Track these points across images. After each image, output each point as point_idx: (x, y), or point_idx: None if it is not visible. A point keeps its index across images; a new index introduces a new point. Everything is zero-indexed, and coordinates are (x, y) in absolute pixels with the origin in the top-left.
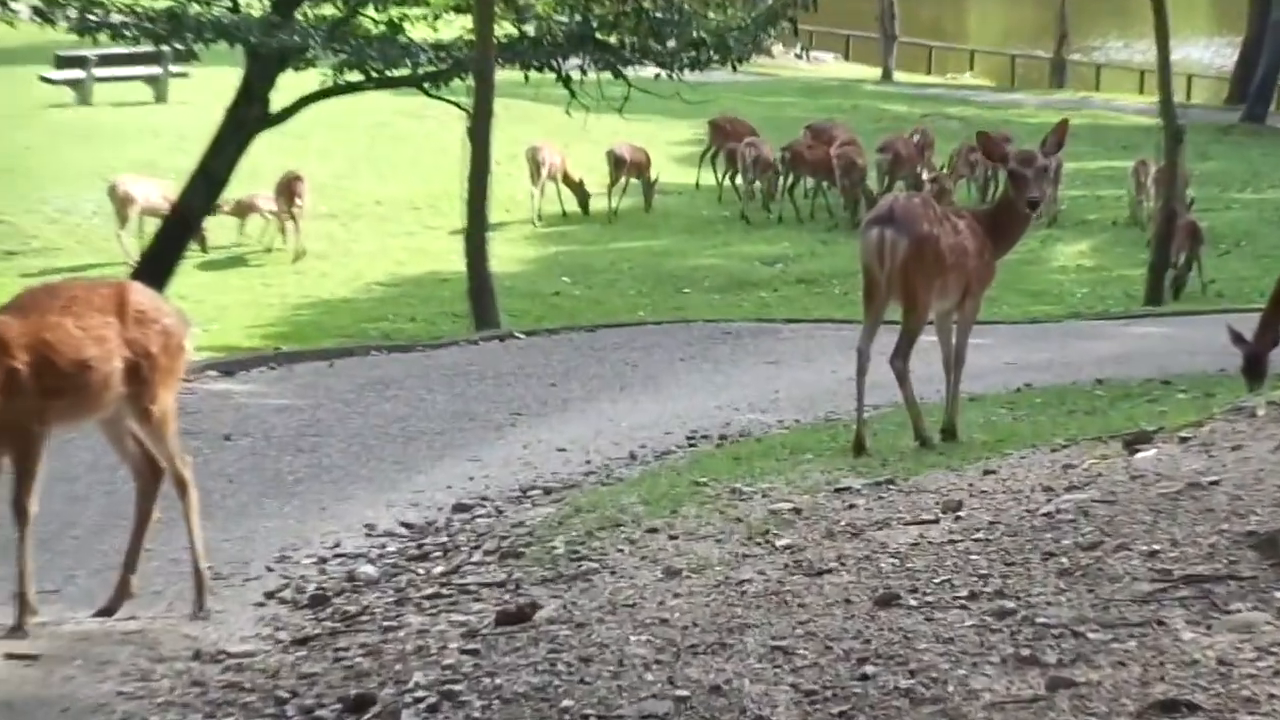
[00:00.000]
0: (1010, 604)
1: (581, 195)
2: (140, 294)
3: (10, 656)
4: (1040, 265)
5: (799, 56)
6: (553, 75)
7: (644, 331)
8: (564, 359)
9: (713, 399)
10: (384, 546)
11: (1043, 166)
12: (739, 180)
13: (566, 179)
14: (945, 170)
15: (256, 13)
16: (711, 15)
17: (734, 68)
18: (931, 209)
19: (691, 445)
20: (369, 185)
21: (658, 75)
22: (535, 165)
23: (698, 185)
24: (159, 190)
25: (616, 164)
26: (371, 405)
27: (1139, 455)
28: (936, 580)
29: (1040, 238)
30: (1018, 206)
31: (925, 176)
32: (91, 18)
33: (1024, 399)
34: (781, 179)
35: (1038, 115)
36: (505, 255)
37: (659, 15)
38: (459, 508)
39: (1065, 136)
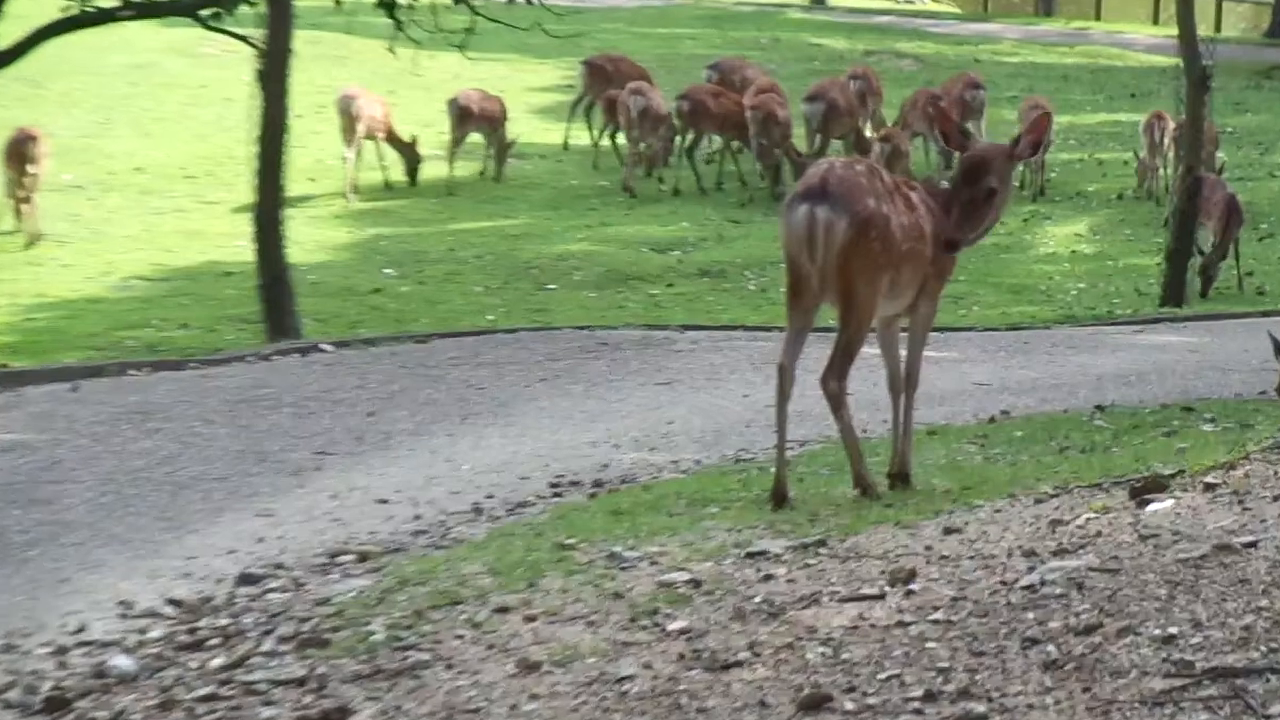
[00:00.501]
0: (979, 707)
1: (411, 160)
2: None
3: None
4: (1023, 252)
5: None
6: None
7: (493, 342)
8: (386, 379)
9: (584, 433)
10: (144, 631)
11: (988, 190)
12: (621, 139)
13: (391, 138)
14: (897, 126)
15: None
16: None
17: None
18: (878, 179)
19: (556, 495)
20: (127, 146)
21: (511, 0)
22: (349, 120)
23: (566, 146)
24: None
25: (461, 117)
26: (129, 442)
27: (1151, 508)
28: (881, 676)
29: (1023, 215)
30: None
31: (870, 134)
32: None
33: (1000, 431)
34: (679, 138)
35: (1018, 53)
36: (309, 240)
37: None
38: (245, 579)
39: (1045, 135)
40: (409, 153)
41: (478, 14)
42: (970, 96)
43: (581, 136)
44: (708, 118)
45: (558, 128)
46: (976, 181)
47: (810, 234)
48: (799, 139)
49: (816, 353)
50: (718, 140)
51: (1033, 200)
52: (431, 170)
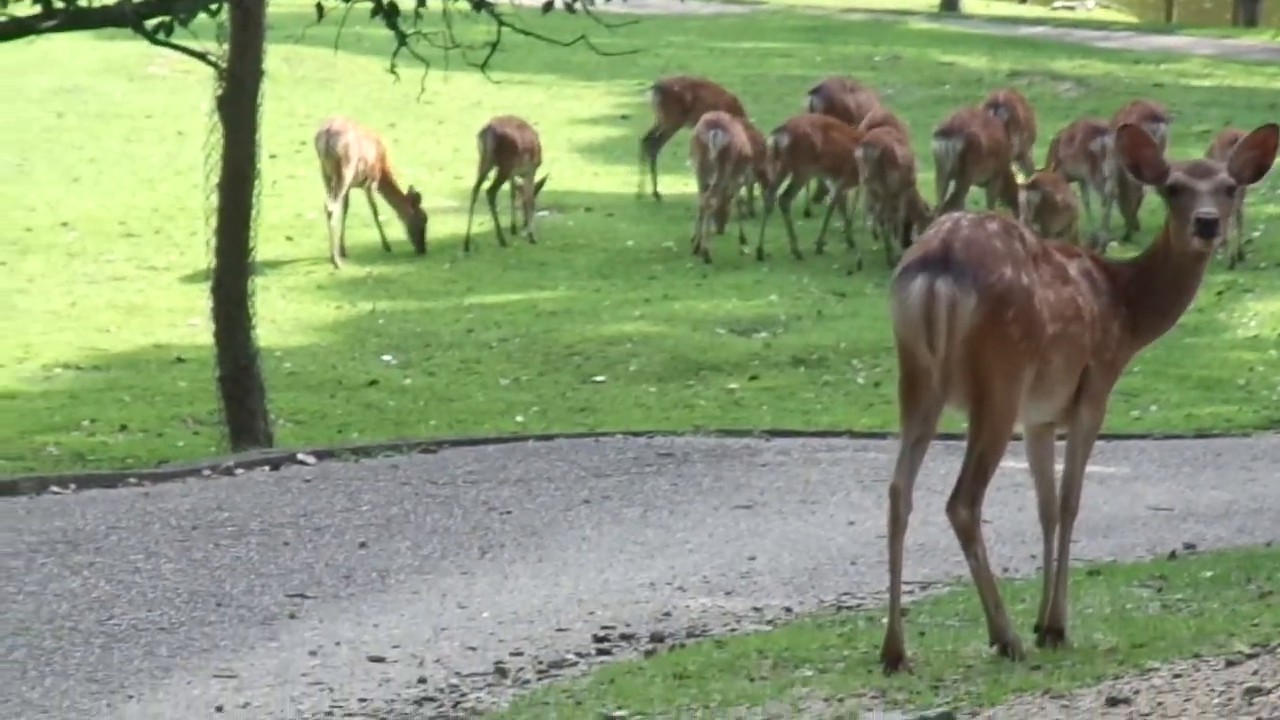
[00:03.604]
0: None
1: (413, 219)
2: None
3: None
4: (1215, 335)
5: None
6: (366, 4)
7: (522, 452)
8: (382, 500)
9: (640, 571)
10: None
11: (1225, 185)
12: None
13: (386, 187)
14: (1050, 169)
15: None
16: None
17: None
18: (1017, 240)
19: (603, 653)
20: (50, 195)
21: (549, 5)
22: (334, 162)
23: (640, 196)
24: None
25: (499, 150)
26: (49, 580)
27: None
28: None
29: (1217, 288)
30: (1180, 242)
31: (1020, 179)
32: None
33: (1183, 571)
34: (770, 183)
35: (1211, 74)
36: (285, 317)
37: None
38: None
39: (1276, 152)
40: (408, 212)
41: (505, 24)
42: (1149, 131)
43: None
44: (809, 158)
45: (608, 171)
46: (1209, 173)
47: (929, 314)
48: (927, 186)
49: (944, 468)
50: (821, 186)
51: (1229, 268)
52: (443, 226)
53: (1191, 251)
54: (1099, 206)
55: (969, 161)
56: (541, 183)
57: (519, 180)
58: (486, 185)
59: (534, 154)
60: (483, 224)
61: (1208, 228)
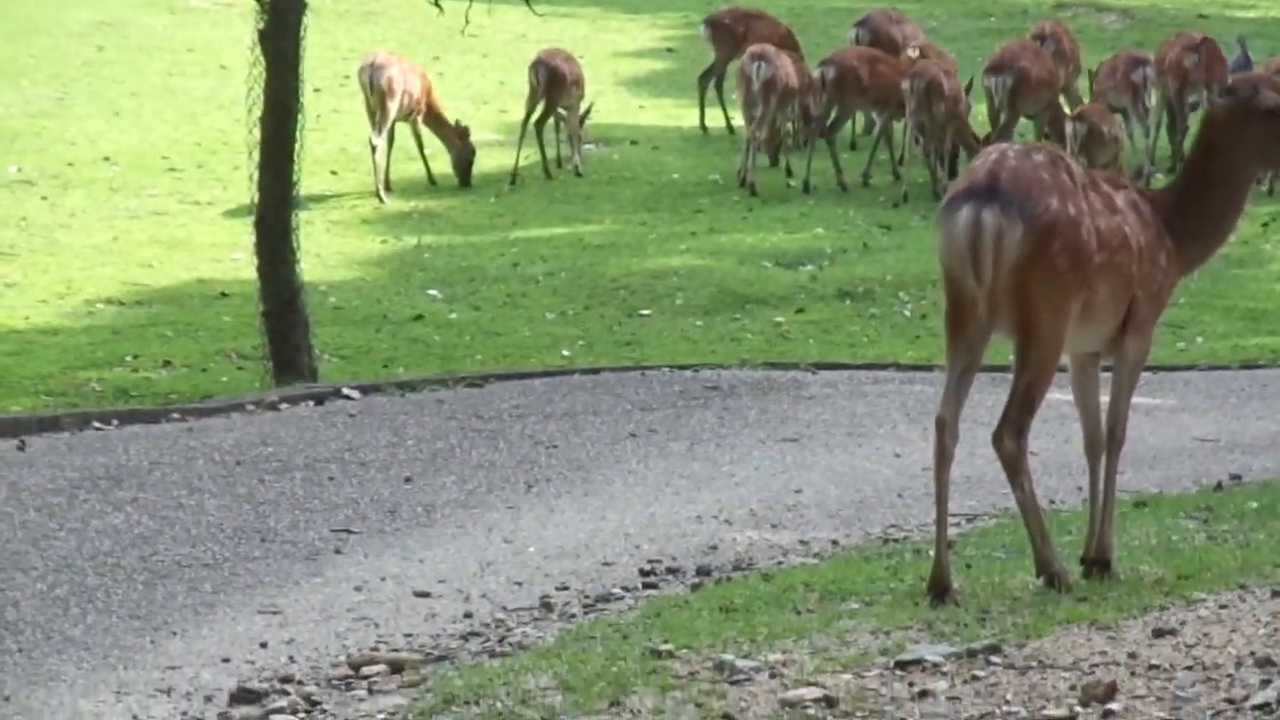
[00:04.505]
0: None
1: (459, 154)
2: None
3: None
4: (1261, 267)
5: None
6: None
7: (568, 386)
8: (428, 435)
9: (686, 505)
10: None
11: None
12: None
13: (433, 120)
14: (1093, 101)
15: None
16: None
17: None
18: (1064, 171)
19: (649, 586)
20: (91, 129)
21: None
22: (378, 96)
23: (704, 128)
24: None
25: (551, 83)
26: (92, 516)
27: None
28: None
29: (1262, 219)
30: (1255, 162)
31: (1067, 111)
32: None
33: (1229, 502)
34: (816, 116)
35: (1256, 5)
36: (329, 252)
37: None
38: (242, 696)
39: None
40: (456, 144)
41: None
42: (1192, 63)
43: (705, 117)
44: (856, 90)
45: (653, 104)
46: None
47: (975, 245)
48: (979, 117)
49: (991, 399)
50: (868, 119)
51: (1270, 194)
52: (488, 160)
53: (1253, 175)
54: (1142, 138)
55: (1019, 95)
56: (586, 114)
57: (563, 113)
58: (534, 118)
59: (580, 87)
60: (528, 157)
61: None
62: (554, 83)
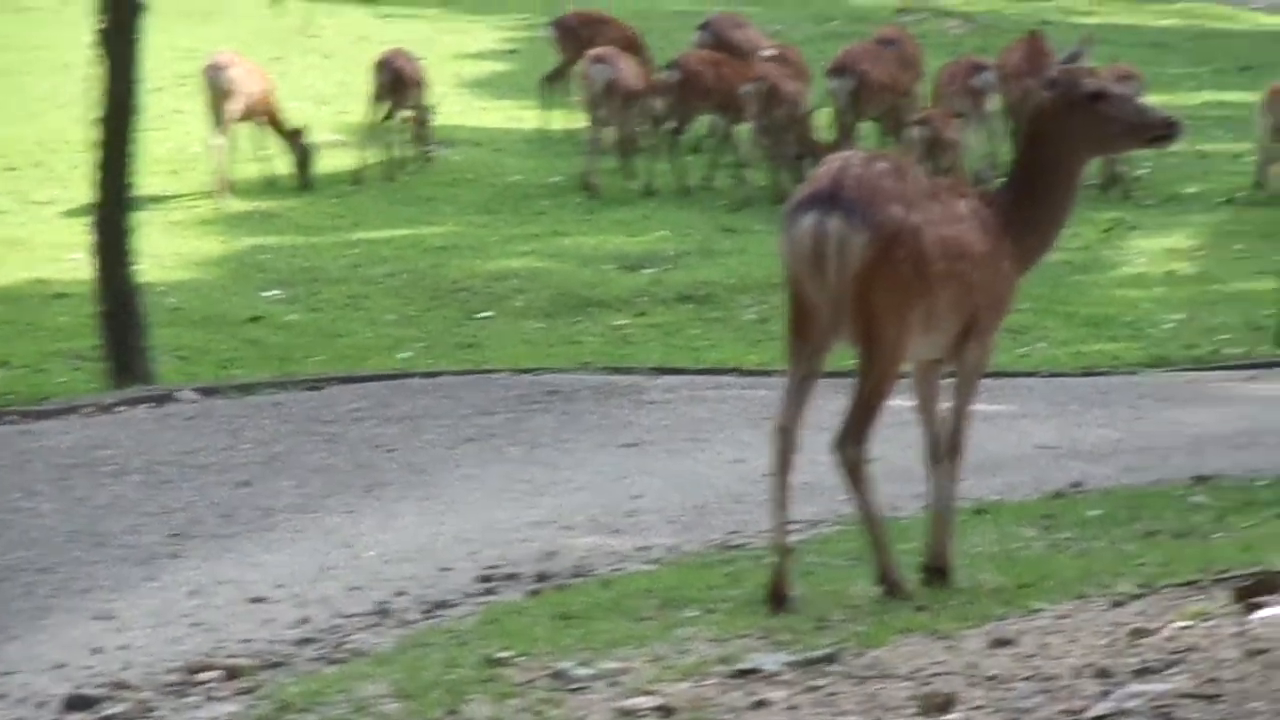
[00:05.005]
0: None
1: (300, 152)
2: None
3: None
4: (1102, 273)
5: None
6: None
7: (408, 389)
8: (266, 438)
9: (525, 510)
10: None
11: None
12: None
13: (274, 121)
14: (934, 106)
15: None
16: None
17: None
18: (908, 178)
19: (487, 592)
20: None
21: None
22: (218, 96)
23: (549, 128)
24: None
25: (394, 84)
26: None
27: (1262, 614)
28: None
29: (1103, 224)
30: (1082, 150)
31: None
32: None
33: (1069, 510)
34: (660, 119)
35: (1096, 11)
36: (167, 252)
37: None
38: (75, 703)
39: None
40: (297, 145)
41: None
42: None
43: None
44: (699, 93)
45: (495, 106)
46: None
47: (818, 251)
48: (824, 120)
49: (832, 406)
50: (710, 121)
51: (1111, 197)
52: (329, 161)
53: (1082, 164)
54: (981, 142)
55: (862, 99)
56: (428, 113)
57: (407, 114)
58: (379, 118)
59: (423, 88)
60: (368, 159)
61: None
62: (398, 83)
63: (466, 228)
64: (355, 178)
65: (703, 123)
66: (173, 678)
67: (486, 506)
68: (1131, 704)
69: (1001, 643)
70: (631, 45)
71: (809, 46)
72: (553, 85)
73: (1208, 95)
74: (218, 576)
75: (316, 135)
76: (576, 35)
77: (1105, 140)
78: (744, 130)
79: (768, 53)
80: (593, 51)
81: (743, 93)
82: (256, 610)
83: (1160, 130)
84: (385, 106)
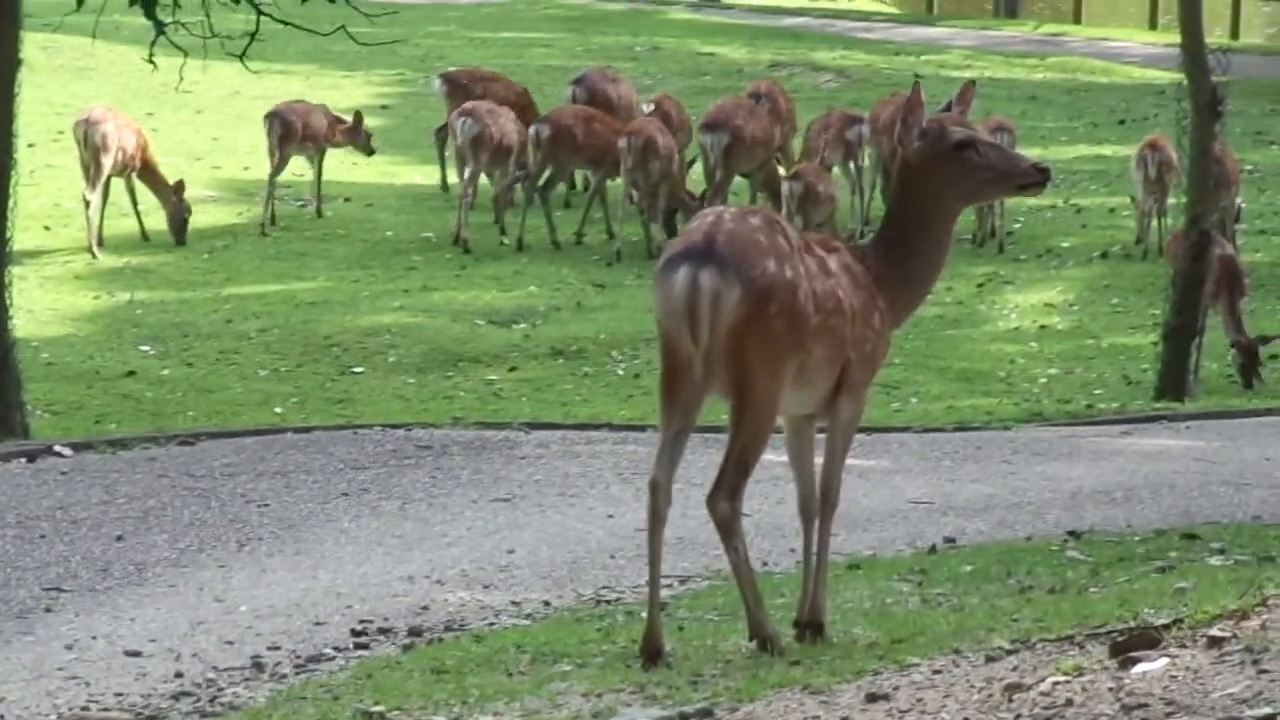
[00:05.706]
0: None
1: (175, 208)
2: None
3: None
4: (976, 327)
5: None
6: None
7: (280, 444)
8: (139, 493)
9: (398, 565)
10: None
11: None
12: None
13: (150, 176)
14: (808, 159)
15: None
16: None
17: None
18: (780, 233)
19: (361, 647)
20: None
21: None
22: (93, 151)
23: (445, 187)
24: None
25: (283, 138)
26: None
27: (1138, 669)
28: None
29: (978, 279)
30: (952, 199)
31: (782, 171)
32: None
33: (943, 565)
34: (530, 174)
35: (971, 65)
36: (42, 307)
37: None
38: None
39: (971, 99)
40: (171, 201)
41: (263, 14)
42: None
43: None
44: (570, 148)
45: (367, 162)
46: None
47: (692, 306)
48: (695, 176)
49: (704, 460)
50: (584, 176)
51: (985, 251)
52: (201, 216)
53: (954, 214)
54: (856, 198)
55: (734, 154)
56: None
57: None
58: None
59: (317, 138)
60: (241, 214)
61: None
62: (287, 135)
63: (339, 283)
64: (229, 232)
65: (576, 177)
66: None
67: (359, 561)
68: None
69: (876, 698)
70: (522, 101)
71: (682, 101)
72: (444, 139)
73: (1083, 149)
74: (93, 630)
75: (189, 191)
76: (466, 91)
77: (975, 189)
78: (616, 185)
79: (649, 108)
80: (463, 106)
81: (620, 146)
82: (131, 664)
83: (1029, 177)
84: (288, 154)
